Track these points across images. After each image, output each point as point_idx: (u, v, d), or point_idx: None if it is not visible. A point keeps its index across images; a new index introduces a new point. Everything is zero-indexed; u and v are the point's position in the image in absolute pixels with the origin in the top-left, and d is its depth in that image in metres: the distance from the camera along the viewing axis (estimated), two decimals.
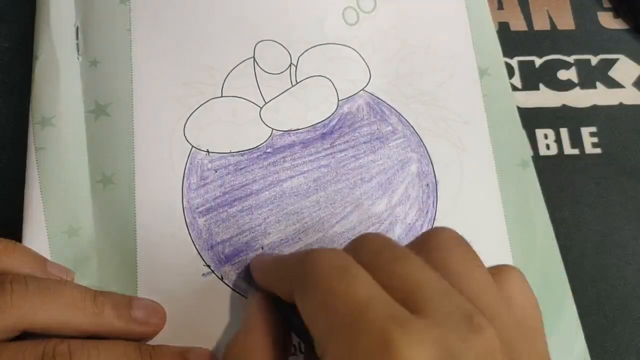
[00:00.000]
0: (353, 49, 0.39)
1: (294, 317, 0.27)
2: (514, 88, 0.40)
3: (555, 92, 0.40)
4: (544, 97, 0.40)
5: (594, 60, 0.41)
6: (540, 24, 0.42)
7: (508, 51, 0.41)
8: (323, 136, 0.36)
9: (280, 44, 0.38)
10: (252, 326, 0.28)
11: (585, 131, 0.40)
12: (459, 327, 0.21)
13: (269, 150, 0.36)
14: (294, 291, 0.25)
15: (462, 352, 0.21)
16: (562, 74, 0.41)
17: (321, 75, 0.38)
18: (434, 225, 0.35)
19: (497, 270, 0.26)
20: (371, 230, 0.35)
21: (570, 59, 0.41)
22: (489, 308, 0.23)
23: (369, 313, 0.21)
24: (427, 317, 0.21)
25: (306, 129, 0.36)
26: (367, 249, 0.25)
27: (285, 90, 0.37)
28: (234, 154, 0.35)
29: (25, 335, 0.28)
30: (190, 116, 0.36)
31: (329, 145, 0.36)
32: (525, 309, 0.25)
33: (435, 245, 0.25)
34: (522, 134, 0.38)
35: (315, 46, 0.38)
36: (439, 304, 0.22)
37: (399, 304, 0.22)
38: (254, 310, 0.29)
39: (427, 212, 0.36)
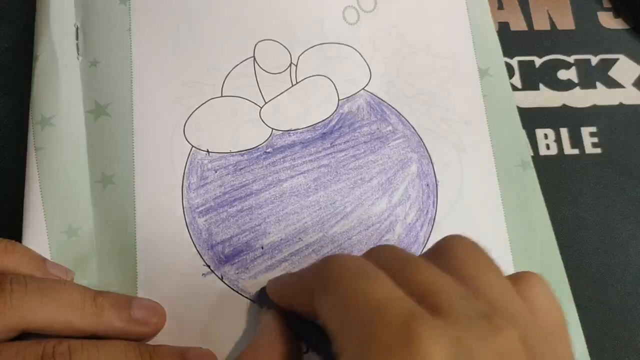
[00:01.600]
0: (353, 48, 0.39)
1: (310, 332, 0.28)
2: (514, 88, 0.40)
3: (555, 92, 0.40)
4: (544, 97, 0.40)
5: (594, 60, 0.41)
6: (540, 24, 0.42)
7: (508, 51, 0.41)
8: (323, 136, 0.36)
9: (280, 43, 0.38)
10: (261, 344, 0.28)
11: (585, 131, 0.40)
12: (478, 327, 0.21)
13: (269, 150, 0.36)
14: (314, 295, 0.25)
15: (481, 352, 0.20)
16: (562, 74, 0.41)
17: (321, 75, 0.38)
18: (434, 226, 0.35)
19: (518, 276, 0.25)
20: (371, 230, 0.35)
21: (570, 59, 0.41)
22: (508, 311, 0.23)
23: (390, 310, 0.21)
24: (445, 317, 0.21)
25: (306, 129, 0.36)
26: (385, 256, 0.25)
27: (285, 90, 0.37)
28: (234, 153, 0.35)
29: (25, 335, 0.28)
30: (190, 116, 0.36)
31: (329, 145, 0.36)
32: (549, 315, 0.25)
33: (449, 252, 0.25)
34: (522, 134, 0.38)
35: (315, 46, 0.38)
36: (457, 306, 0.22)
37: (417, 304, 0.22)
38: (264, 327, 0.29)
39: (427, 212, 0.36)
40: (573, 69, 0.41)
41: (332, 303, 0.23)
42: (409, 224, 0.35)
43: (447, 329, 0.21)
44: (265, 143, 0.36)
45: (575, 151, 0.39)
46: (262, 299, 0.31)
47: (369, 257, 0.25)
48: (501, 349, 0.21)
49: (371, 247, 0.27)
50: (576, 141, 0.39)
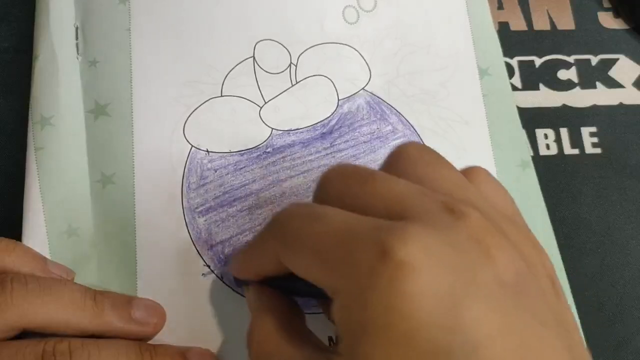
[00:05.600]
0: (353, 48, 0.39)
1: (295, 284, 0.27)
2: (514, 88, 0.40)
3: (555, 92, 0.40)
4: (544, 97, 0.40)
5: (594, 60, 0.41)
6: (540, 24, 0.42)
7: (508, 51, 0.41)
8: (323, 136, 0.36)
9: (280, 43, 0.38)
10: (259, 320, 0.28)
11: (585, 131, 0.40)
12: (442, 218, 0.21)
13: (268, 149, 0.36)
14: (280, 256, 0.25)
15: (451, 238, 0.21)
16: (562, 74, 0.41)
17: (321, 75, 0.38)
18: None
19: (467, 171, 0.26)
20: None
21: (570, 59, 0.41)
22: (467, 200, 0.23)
23: (358, 236, 0.21)
24: (409, 219, 0.21)
25: (306, 129, 0.36)
26: (333, 186, 0.25)
27: (285, 90, 0.37)
28: (234, 153, 0.35)
29: (25, 334, 0.28)
30: (190, 116, 0.36)
31: (328, 145, 0.36)
32: (502, 202, 0.26)
33: (402, 157, 0.26)
34: (522, 134, 0.38)
35: (315, 45, 0.38)
36: (417, 206, 0.22)
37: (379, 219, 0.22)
38: (253, 304, 0.28)
39: None
40: (573, 69, 0.41)
41: (300, 255, 0.23)
42: None
43: (414, 229, 0.21)
44: (265, 143, 0.36)
45: (575, 151, 0.39)
46: (237, 282, 0.31)
47: (318, 196, 0.25)
48: (470, 230, 0.21)
49: None
50: (576, 141, 0.39)
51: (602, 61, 0.41)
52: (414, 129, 0.37)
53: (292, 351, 0.25)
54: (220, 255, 0.33)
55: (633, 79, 0.41)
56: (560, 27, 0.42)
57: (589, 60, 0.41)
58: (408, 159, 0.25)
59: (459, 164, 0.36)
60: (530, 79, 0.41)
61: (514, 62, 0.41)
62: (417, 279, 0.20)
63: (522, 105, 0.40)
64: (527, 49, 0.41)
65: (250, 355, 0.27)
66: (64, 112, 0.35)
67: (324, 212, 0.23)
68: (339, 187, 0.25)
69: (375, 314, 0.20)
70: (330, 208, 0.23)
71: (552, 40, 0.42)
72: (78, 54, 0.37)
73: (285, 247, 0.24)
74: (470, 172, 0.26)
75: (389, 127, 0.37)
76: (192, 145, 0.35)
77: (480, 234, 0.21)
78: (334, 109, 0.37)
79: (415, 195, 0.23)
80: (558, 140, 0.39)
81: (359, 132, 0.37)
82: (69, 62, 0.36)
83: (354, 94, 0.38)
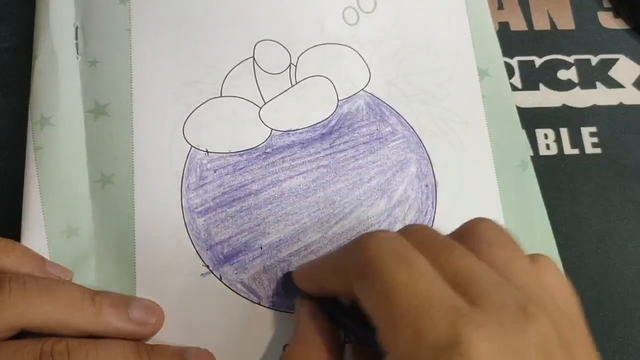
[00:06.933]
0: (353, 48, 0.39)
1: (346, 318, 0.28)
2: (514, 88, 0.40)
3: (555, 92, 0.40)
4: (544, 97, 0.40)
5: (594, 60, 0.41)
6: (540, 24, 0.42)
7: (508, 51, 0.41)
8: (322, 136, 0.36)
9: (280, 43, 0.38)
10: (305, 337, 0.28)
11: (585, 131, 0.40)
12: (515, 318, 0.22)
13: (268, 150, 0.36)
14: (353, 281, 0.25)
15: (521, 344, 0.21)
16: (562, 74, 0.41)
17: (321, 75, 0.38)
18: (433, 227, 0.35)
19: (534, 259, 0.26)
20: (370, 230, 0.35)
21: (570, 59, 0.41)
22: (537, 297, 0.24)
23: (433, 308, 0.22)
24: (484, 309, 0.22)
25: (305, 129, 0.36)
26: (422, 237, 0.25)
27: (285, 90, 0.37)
28: (233, 154, 0.35)
29: (24, 334, 0.28)
30: (189, 116, 0.36)
31: (328, 146, 0.36)
32: (565, 298, 0.26)
33: (478, 236, 0.26)
34: (522, 134, 0.38)
35: (315, 46, 0.38)
36: (494, 296, 0.22)
37: (457, 294, 0.23)
38: (304, 319, 0.29)
39: (426, 212, 0.35)
40: (573, 69, 0.41)
41: (375, 293, 0.24)
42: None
43: (488, 325, 0.21)
44: (264, 143, 0.36)
45: (575, 151, 0.39)
46: (288, 286, 0.31)
47: (404, 238, 0.25)
48: (539, 336, 0.22)
49: None
50: (576, 141, 0.39)
51: (602, 61, 0.41)
52: (414, 130, 0.37)
53: None
54: (220, 256, 0.33)
55: (633, 79, 0.41)
56: (560, 27, 0.42)
57: (589, 60, 0.41)
58: (484, 241, 0.25)
59: (459, 164, 0.37)
60: (530, 79, 0.41)
61: (514, 62, 0.41)
62: None
63: (522, 105, 0.39)
64: (527, 49, 0.41)
65: None
66: (63, 112, 0.35)
67: (416, 263, 0.23)
68: (425, 242, 0.25)
69: None
70: (421, 259, 0.24)
71: (552, 40, 0.42)
72: (78, 54, 0.37)
73: (365, 280, 0.24)
74: (537, 261, 0.26)
75: (389, 128, 0.37)
76: (192, 146, 0.35)
77: (547, 344, 0.22)
78: (334, 109, 0.37)
79: (491, 284, 0.23)
80: (558, 140, 0.39)
81: (358, 132, 0.37)
82: (68, 62, 0.36)
83: (353, 95, 0.38)
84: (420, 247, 0.24)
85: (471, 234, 0.26)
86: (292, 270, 0.31)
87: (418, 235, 0.25)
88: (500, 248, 0.25)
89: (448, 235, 0.27)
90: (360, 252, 0.25)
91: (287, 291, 0.32)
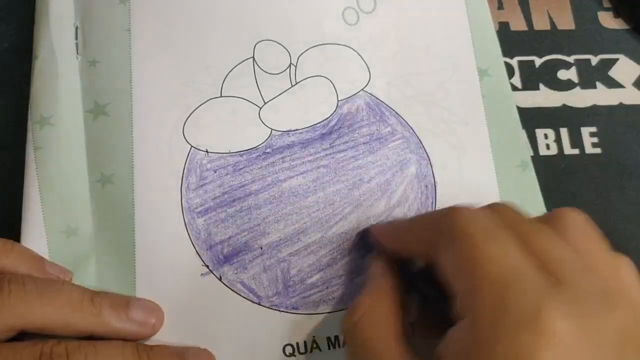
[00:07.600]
0: (353, 49, 0.39)
1: (419, 282, 0.29)
2: (514, 88, 0.40)
3: (555, 92, 0.40)
4: (544, 97, 0.40)
5: (594, 60, 0.41)
6: (540, 23, 0.42)
7: (508, 51, 0.40)
8: (322, 136, 0.36)
9: (279, 44, 0.38)
10: (378, 288, 0.29)
11: (585, 131, 0.40)
12: (599, 303, 0.23)
13: (268, 150, 0.36)
14: (438, 248, 0.26)
15: (601, 328, 0.22)
16: (562, 74, 0.41)
17: (321, 76, 0.38)
18: None
19: (615, 255, 0.27)
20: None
21: (570, 59, 0.41)
22: (620, 288, 0.24)
23: (522, 282, 0.23)
24: (570, 290, 0.23)
25: (305, 129, 0.36)
26: (509, 216, 0.26)
27: (285, 91, 0.37)
28: (233, 154, 0.35)
29: (23, 336, 0.28)
30: (189, 116, 0.36)
31: (328, 146, 0.36)
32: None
33: (566, 223, 0.27)
34: (522, 135, 0.38)
35: (315, 46, 0.38)
36: (579, 280, 0.23)
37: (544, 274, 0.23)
38: (378, 271, 0.30)
39: None
40: (573, 69, 0.41)
41: (460, 261, 0.25)
42: None
43: (571, 305, 0.22)
44: (264, 143, 0.36)
45: (575, 151, 0.39)
46: (363, 244, 0.32)
47: (494, 214, 0.26)
48: (618, 325, 0.22)
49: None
50: (576, 141, 0.39)
51: (602, 61, 0.41)
52: (413, 130, 0.37)
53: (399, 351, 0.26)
54: (219, 256, 0.33)
55: (633, 79, 0.41)
56: (560, 27, 0.42)
57: (589, 60, 0.41)
58: (572, 229, 0.26)
59: (459, 164, 0.37)
60: (530, 79, 0.41)
61: (514, 62, 0.41)
62: (557, 354, 0.21)
63: (522, 105, 0.39)
64: (527, 49, 0.41)
65: (348, 327, 0.28)
66: (63, 111, 0.35)
67: (502, 236, 0.24)
68: (514, 222, 0.26)
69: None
70: (511, 237, 0.25)
71: (552, 40, 0.42)
72: (78, 53, 0.37)
73: (453, 248, 0.25)
74: (618, 257, 0.27)
75: (388, 129, 0.37)
76: (192, 146, 0.35)
77: (626, 333, 0.22)
78: (334, 109, 0.37)
79: (577, 269, 0.24)
80: (558, 140, 0.39)
81: (358, 133, 0.37)
82: (68, 62, 0.36)
83: (353, 95, 0.37)
84: (508, 226, 0.25)
85: (558, 220, 0.27)
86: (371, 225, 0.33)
87: (506, 214, 0.26)
88: (586, 238, 0.26)
89: (536, 219, 0.28)
90: (451, 221, 0.26)
91: (359, 248, 0.33)
